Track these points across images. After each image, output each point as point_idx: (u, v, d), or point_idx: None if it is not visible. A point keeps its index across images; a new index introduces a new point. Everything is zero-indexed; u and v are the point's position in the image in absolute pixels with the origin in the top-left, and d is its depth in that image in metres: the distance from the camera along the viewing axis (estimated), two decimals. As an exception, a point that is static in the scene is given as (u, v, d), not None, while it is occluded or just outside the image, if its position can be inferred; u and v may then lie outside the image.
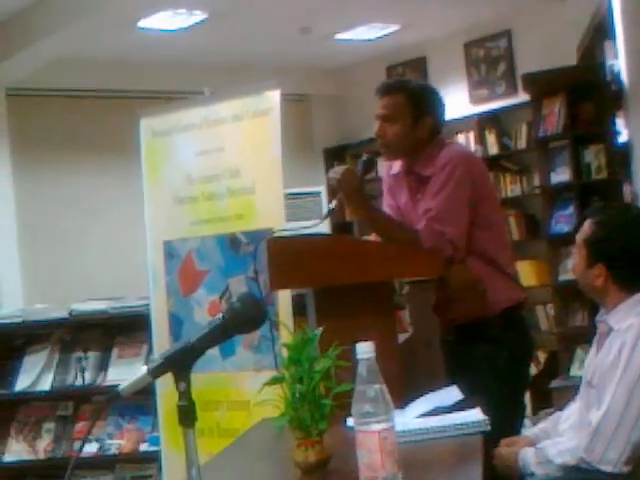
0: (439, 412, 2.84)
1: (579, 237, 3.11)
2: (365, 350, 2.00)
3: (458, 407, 2.87)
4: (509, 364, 3.62)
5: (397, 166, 3.79)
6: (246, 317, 1.88)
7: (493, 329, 3.64)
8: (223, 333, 1.86)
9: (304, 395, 2.40)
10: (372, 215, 3.61)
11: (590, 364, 3.08)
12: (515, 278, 3.86)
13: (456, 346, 3.67)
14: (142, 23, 8.31)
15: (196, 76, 9.10)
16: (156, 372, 1.85)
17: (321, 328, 2.50)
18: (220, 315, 1.87)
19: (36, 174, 9.26)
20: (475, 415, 2.76)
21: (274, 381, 2.46)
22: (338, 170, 3.52)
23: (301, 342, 2.42)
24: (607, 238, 3.04)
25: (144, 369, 1.85)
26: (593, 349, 3.11)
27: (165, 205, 5.16)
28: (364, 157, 3.67)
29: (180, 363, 1.82)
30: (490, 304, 3.63)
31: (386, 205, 3.86)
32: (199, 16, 8.46)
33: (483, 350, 3.62)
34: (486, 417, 2.73)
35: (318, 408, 2.40)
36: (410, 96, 3.66)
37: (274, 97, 4.80)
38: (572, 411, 3.18)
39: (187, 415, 1.79)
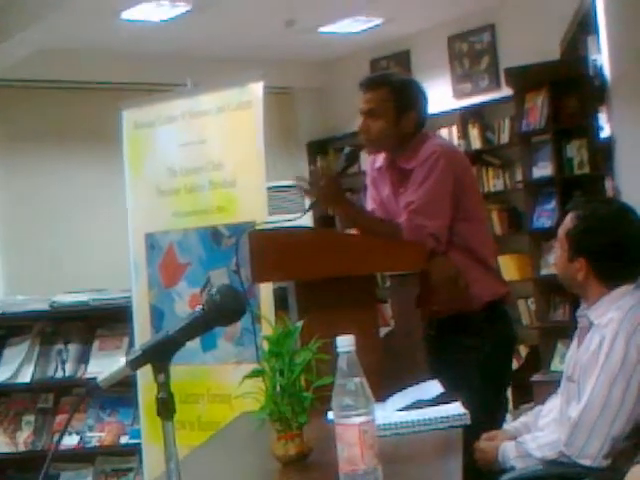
0: (420, 405, 2.84)
1: (561, 231, 3.11)
2: (345, 343, 2.00)
3: (439, 401, 2.87)
4: (491, 358, 3.63)
5: (381, 159, 3.79)
6: (226, 309, 1.87)
7: (475, 323, 3.64)
8: (203, 325, 1.86)
9: (284, 388, 2.40)
10: (353, 213, 3.60)
11: (571, 359, 3.08)
12: (497, 272, 3.86)
13: (438, 340, 3.68)
14: (125, 14, 8.27)
15: (179, 68, 9.04)
16: (135, 364, 1.84)
17: (302, 321, 2.50)
18: (200, 307, 1.87)
19: (18, 165, 9.21)
20: (456, 409, 2.76)
21: (254, 374, 2.46)
22: (318, 180, 3.47)
23: (282, 335, 2.42)
24: (588, 231, 3.04)
25: (123, 361, 1.84)
26: (574, 344, 3.12)
27: (147, 197, 5.14)
28: (347, 149, 3.66)
29: (159, 355, 1.81)
30: (472, 298, 3.63)
31: (370, 198, 3.87)
32: (182, 7, 8.43)
33: (465, 344, 3.63)
34: (467, 411, 2.73)
35: (298, 401, 2.40)
36: (393, 91, 3.66)
37: (257, 89, 4.78)
38: (553, 405, 3.19)
39: (166, 407, 1.78)
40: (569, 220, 3.08)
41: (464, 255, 3.65)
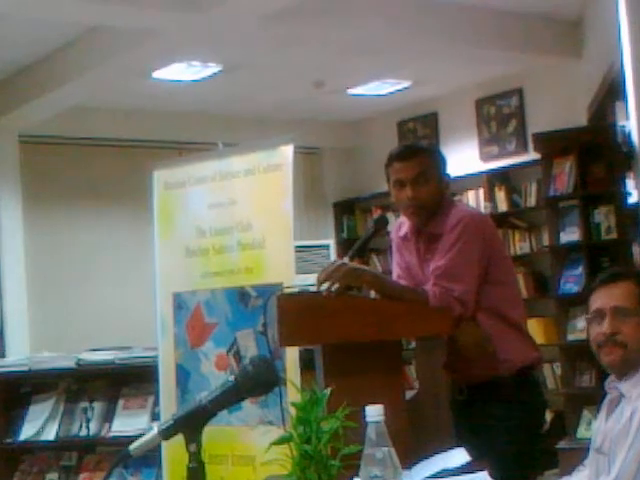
0: (446, 475, 2.82)
1: (620, 301, 2.99)
2: (374, 413, 2.00)
3: (465, 470, 2.85)
4: (521, 426, 3.61)
5: (405, 227, 3.82)
6: (258, 381, 1.88)
7: (508, 389, 3.63)
8: (235, 396, 1.87)
9: (311, 455, 2.39)
10: (376, 283, 3.58)
11: (599, 430, 3.05)
12: (529, 336, 3.86)
13: (468, 406, 3.66)
14: (156, 74, 8.38)
15: (210, 127, 9.20)
16: (167, 433, 1.85)
17: (329, 388, 2.50)
18: (232, 377, 1.88)
19: (47, 221, 9.30)
20: (482, 478, 2.74)
21: (282, 441, 2.46)
22: (331, 268, 3.46)
23: (309, 402, 2.42)
24: None
25: (155, 429, 1.85)
26: (602, 415, 3.08)
27: (176, 257, 5.16)
28: (376, 216, 3.70)
29: (191, 424, 1.82)
30: (505, 363, 3.63)
31: (395, 264, 3.89)
32: (213, 68, 8.54)
33: (496, 411, 3.61)
34: (493, 481, 2.71)
35: (325, 469, 2.40)
36: (432, 156, 3.76)
37: (287, 152, 4.81)
38: (580, 478, 3.15)
39: (197, 477, 1.79)
40: (631, 287, 3.01)
41: (496, 319, 3.65)
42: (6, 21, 7.02)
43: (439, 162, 3.75)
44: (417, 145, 3.88)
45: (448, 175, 3.79)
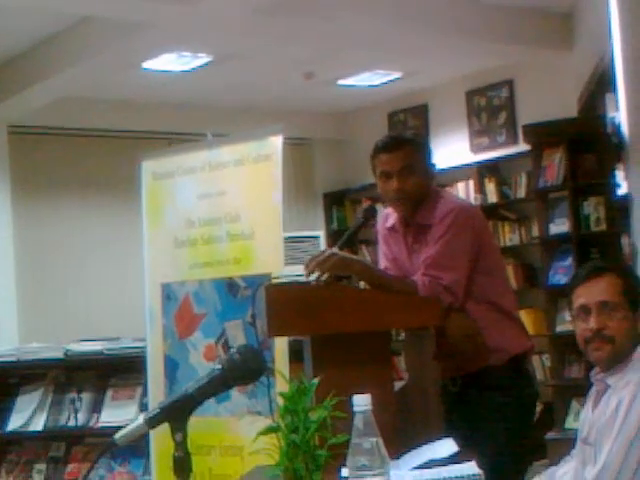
0: (434, 465, 2.82)
1: (604, 296, 2.97)
2: (362, 402, 2.00)
3: (453, 460, 2.85)
4: (515, 416, 3.63)
5: (392, 219, 3.81)
6: (245, 369, 1.88)
7: (502, 378, 3.64)
8: (222, 384, 1.86)
9: (299, 445, 2.39)
10: (366, 273, 3.58)
11: (585, 421, 3.05)
12: (522, 324, 3.88)
13: (461, 396, 3.66)
14: (146, 64, 8.35)
15: (199, 118, 9.17)
16: (153, 422, 1.84)
17: (317, 379, 2.50)
18: (219, 366, 1.87)
19: (36, 212, 9.27)
20: (470, 469, 2.74)
21: (269, 430, 2.46)
22: (321, 257, 3.43)
23: (297, 392, 2.42)
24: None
25: (141, 418, 1.84)
26: (588, 405, 3.08)
27: (164, 247, 5.15)
28: (365, 206, 3.69)
29: (177, 413, 1.82)
30: (498, 352, 3.63)
31: (382, 255, 3.88)
32: (203, 59, 8.52)
33: (490, 401, 3.62)
34: (481, 471, 2.71)
35: (313, 459, 2.40)
36: (419, 146, 3.74)
37: (277, 142, 4.80)
38: (567, 469, 3.15)
39: (182, 466, 1.78)
40: (613, 281, 3.01)
41: (488, 308, 3.66)
42: (-5, 11, 6.99)
43: (425, 153, 3.74)
44: (402, 136, 3.84)
45: (434, 165, 3.78)
